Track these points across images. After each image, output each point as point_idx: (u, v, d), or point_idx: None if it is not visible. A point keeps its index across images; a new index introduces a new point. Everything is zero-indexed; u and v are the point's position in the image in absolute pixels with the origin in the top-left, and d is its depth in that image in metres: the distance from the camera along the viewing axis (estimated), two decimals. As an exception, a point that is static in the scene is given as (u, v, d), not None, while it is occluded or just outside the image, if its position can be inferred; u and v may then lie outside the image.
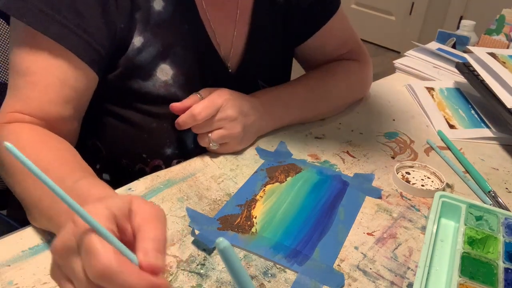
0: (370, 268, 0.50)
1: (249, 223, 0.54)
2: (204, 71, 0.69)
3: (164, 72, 0.64)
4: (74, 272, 0.34)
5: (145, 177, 0.60)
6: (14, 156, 0.32)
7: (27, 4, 0.54)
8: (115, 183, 0.58)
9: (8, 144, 0.31)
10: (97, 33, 0.57)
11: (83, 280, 0.33)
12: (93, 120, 0.65)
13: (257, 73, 0.77)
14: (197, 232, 0.52)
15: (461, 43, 1.19)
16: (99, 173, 0.63)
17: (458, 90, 0.96)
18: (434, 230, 0.52)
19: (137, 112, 0.66)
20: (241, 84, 0.70)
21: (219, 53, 0.70)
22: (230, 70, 0.72)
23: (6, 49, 0.76)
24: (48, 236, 0.50)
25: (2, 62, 0.77)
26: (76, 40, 0.56)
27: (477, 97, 0.90)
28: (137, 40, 0.61)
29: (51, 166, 0.50)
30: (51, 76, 0.58)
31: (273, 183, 0.62)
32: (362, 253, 0.52)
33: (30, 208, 0.51)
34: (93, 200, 0.38)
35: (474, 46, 1.12)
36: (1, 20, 0.71)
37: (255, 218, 0.55)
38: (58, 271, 0.36)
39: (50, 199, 0.46)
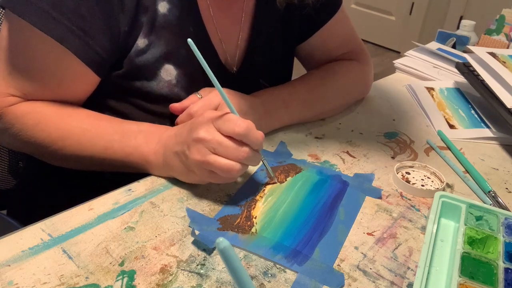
0: (370, 268, 0.50)
1: (249, 223, 0.54)
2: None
3: (168, 72, 0.65)
4: (220, 140, 0.51)
5: (145, 178, 0.60)
6: (193, 49, 0.51)
7: (32, 4, 0.54)
8: (115, 183, 0.58)
9: (189, 40, 0.51)
10: (99, 35, 0.58)
11: (228, 143, 0.51)
12: None
13: (259, 73, 0.78)
14: (197, 232, 0.52)
15: (461, 43, 1.19)
16: (99, 173, 0.63)
17: (458, 90, 0.96)
18: (434, 230, 0.52)
19: (140, 111, 0.66)
20: (243, 84, 0.70)
21: (223, 55, 0.71)
22: (233, 71, 0.72)
23: None
24: (48, 236, 0.50)
25: None
26: (77, 41, 0.56)
27: (477, 97, 0.90)
28: (141, 42, 0.62)
29: (101, 121, 0.60)
30: (48, 75, 0.59)
31: (273, 183, 0.62)
32: (362, 253, 0.52)
33: (90, 161, 0.59)
34: (165, 131, 0.59)
35: (474, 46, 1.12)
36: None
37: (255, 218, 0.55)
38: (202, 149, 0.51)
39: (118, 143, 0.58)
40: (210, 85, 0.67)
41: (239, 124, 0.51)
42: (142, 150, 0.58)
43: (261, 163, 0.61)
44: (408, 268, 0.50)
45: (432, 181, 0.65)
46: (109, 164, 0.60)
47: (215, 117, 0.52)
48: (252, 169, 0.64)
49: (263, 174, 0.63)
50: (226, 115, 0.52)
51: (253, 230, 0.53)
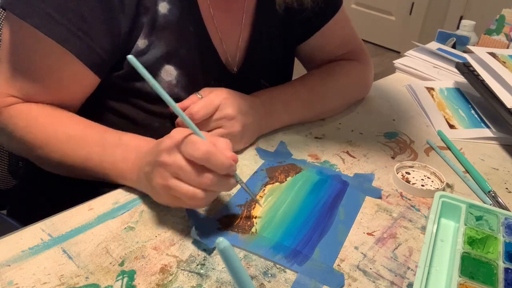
0: (370, 268, 0.50)
1: (249, 223, 0.54)
2: (207, 72, 0.69)
3: (168, 73, 0.65)
4: (181, 165, 0.47)
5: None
6: (134, 66, 0.45)
7: (32, 6, 0.54)
8: (115, 183, 0.58)
9: (129, 56, 0.44)
10: (99, 37, 0.58)
11: (188, 169, 0.47)
12: (96, 118, 0.66)
13: (259, 73, 0.78)
14: (197, 232, 0.52)
15: (461, 43, 1.19)
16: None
17: (458, 90, 0.96)
18: (434, 230, 0.52)
19: (140, 111, 0.66)
20: (243, 84, 0.70)
21: (224, 55, 0.71)
22: (233, 71, 0.72)
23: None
24: (48, 236, 0.50)
25: None
26: (78, 43, 0.56)
27: (477, 97, 0.90)
28: (142, 43, 0.62)
29: (87, 129, 0.59)
30: (49, 76, 0.59)
31: (273, 183, 0.62)
32: (362, 253, 0.52)
33: (72, 169, 0.58)
34: (144, 145, 0.55)
35: (474, 46, 1.12)
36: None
37: (255, 218, 0.55)
38: (164, 173, 0.48)
39: (98, 156, 0.56)
40: (209, 85, 0.67)
41: (198, 147, 0.46)
42: (118, 165, 0.56)
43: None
44: (408, 268, 0.50)
45: (432, 181, 0.65)
46: (89, 175, 0.58)
47: (179, 139, 0.48)
48: (251, 169, 0.64)
49: (263, 174, 0.63)
50: (189, 137, 0.47)
51: (253, 230, 0.53)
